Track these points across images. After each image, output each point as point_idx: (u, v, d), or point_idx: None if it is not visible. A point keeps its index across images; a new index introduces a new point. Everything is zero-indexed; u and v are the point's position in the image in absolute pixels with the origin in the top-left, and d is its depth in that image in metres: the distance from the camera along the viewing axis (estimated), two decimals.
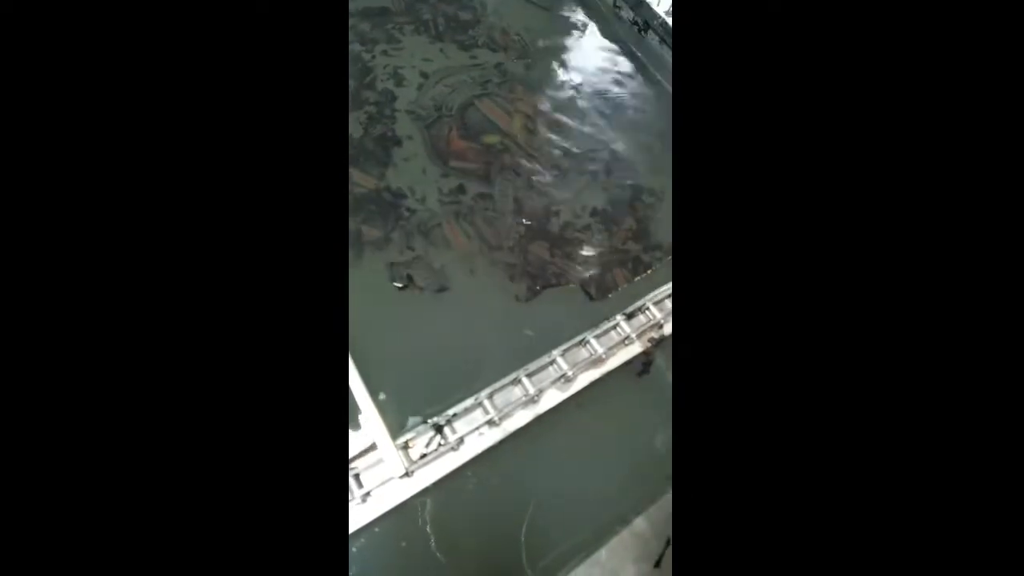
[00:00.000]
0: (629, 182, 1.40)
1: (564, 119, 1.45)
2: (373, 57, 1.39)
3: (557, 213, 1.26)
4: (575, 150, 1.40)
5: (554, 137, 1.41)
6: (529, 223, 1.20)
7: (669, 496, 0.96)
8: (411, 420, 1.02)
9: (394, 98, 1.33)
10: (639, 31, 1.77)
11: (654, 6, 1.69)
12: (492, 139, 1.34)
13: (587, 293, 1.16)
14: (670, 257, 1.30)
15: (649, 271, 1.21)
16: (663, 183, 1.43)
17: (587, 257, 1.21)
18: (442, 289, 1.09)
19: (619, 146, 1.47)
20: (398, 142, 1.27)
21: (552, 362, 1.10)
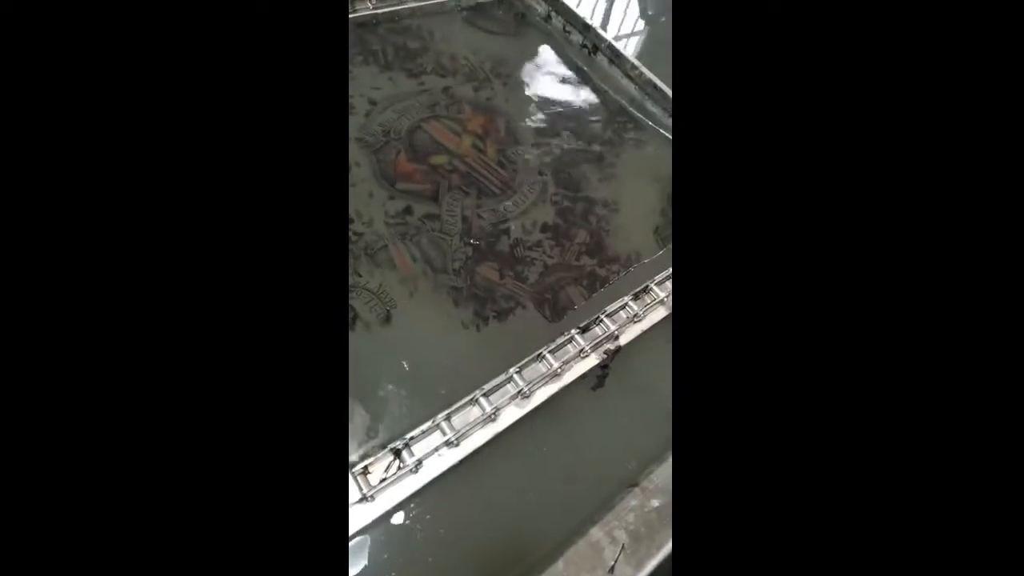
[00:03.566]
0: (581, 194, 1.41)
1: (514, 136, 1.46)
2: None
3: (507, 231, 1.25)
4: (526, 165, 1.40)
5: (504, 154, 1.42)
6: (477, 243, 1.19)
7: (624, 500, 0.93)
8: (369, 446, 0.99)
9: None
10: (589, 53, 1.82)
11: (600, 31, 1.75)
12: (440, 160, 1.34)
13: (543, 315, 1.14)
14: (627, 270, 1.30)
15: (604, 287, 1.20)
16: (616, 193, 1.44)
17: (540, 276, 1.20)
18: (387, 318, 1.07)
19: (569, 159, 1.48)
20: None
21: (509, 379, 1.08)
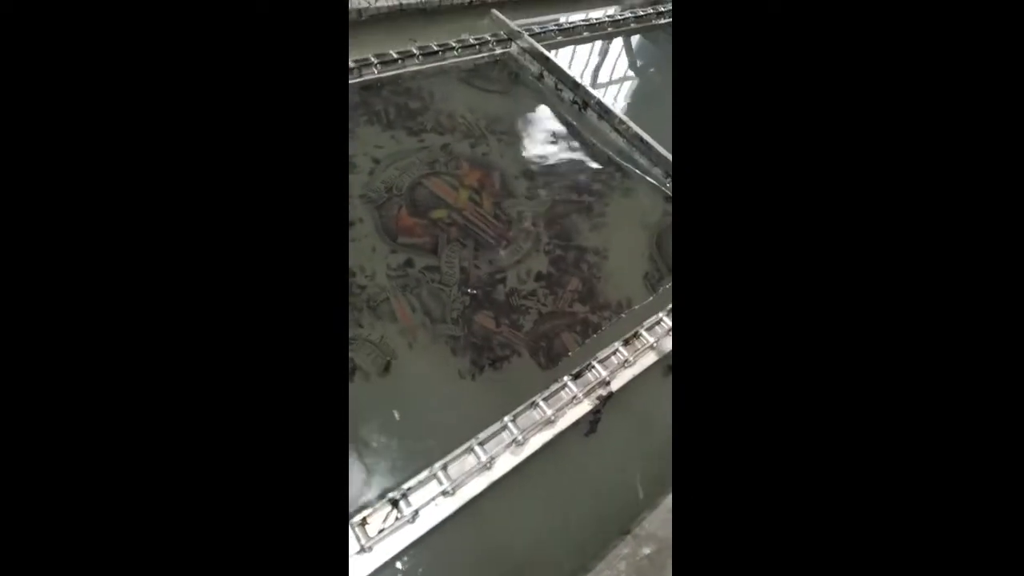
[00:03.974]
0: (572, 243, 1.48)
1: (509, 189, 1.55)
2: None
3: (503, 280, 1.31)
4: (520, 216, 1.48)
5: (500, 207, 1.50)
6: (475, 292, 1.25)
7: (616, 548, 0.95)
8: (366, 496, 1.01)
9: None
10: (579, 109, 1.93)
11: (589, 88, 1.87)
12: (440, 214, 1.42)
13: (537, 363, 1.19)
14: (620, 316, 1.35)
15: (597, 334, 1.25)
16: (606, 241, 1.51)
17: (535, 324, 1.25)
18: (386, 368, 1.12)
19: (561, 209, 1.56)
20: (351, 224, 1.35)
21: (504, 427, 1.11)
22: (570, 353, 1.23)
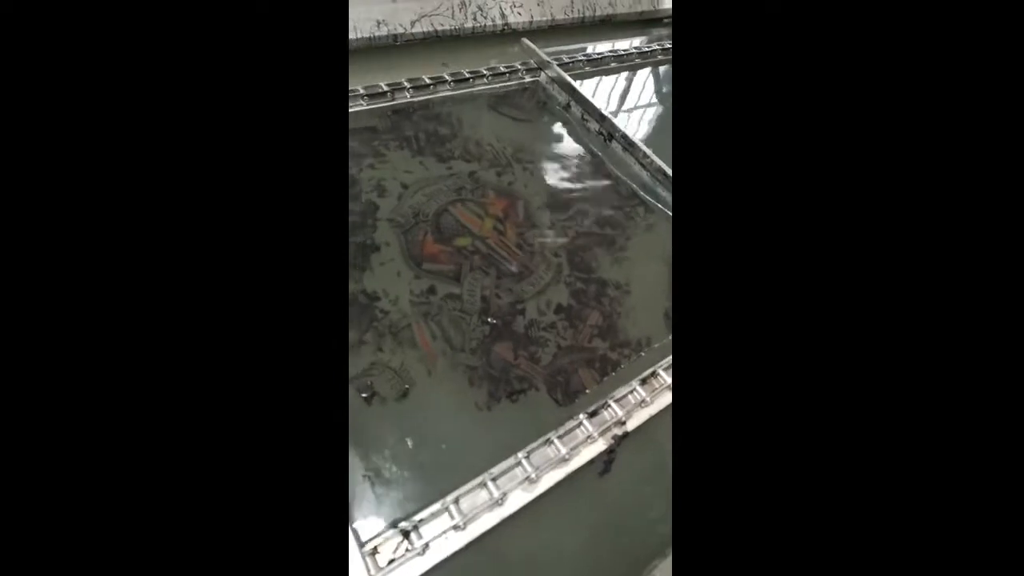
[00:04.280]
0: (594, 276, 1.49)
1: (532, 220, 1.57)
2: (360, 171, 1.54)
3: (523, 311, 1.32)
4: (542, 247, 1.49)
5: (523, 236, 1.51)
6: (495, 322, 1.26)
7: None
8: (378, 525, 1.02)
9: (376, 208, 1.45)
10: (605, 140, 1.95)
11: (615, 121, 1.89)
12: (464, 241, 1.44)
13: (554, 399, 1.19)
14: (639, 354, 1.35)
15: (615, 371, 1.25)
16: (627, 275, 1.52)
17: (553, 358, 1.25)
18: (403, 395, 1.13)
19: (583, 241, 1.57)
20: (376, 248, 1.37)
21: (518, 463, 1.11)
22: (587, 391, 1.23)
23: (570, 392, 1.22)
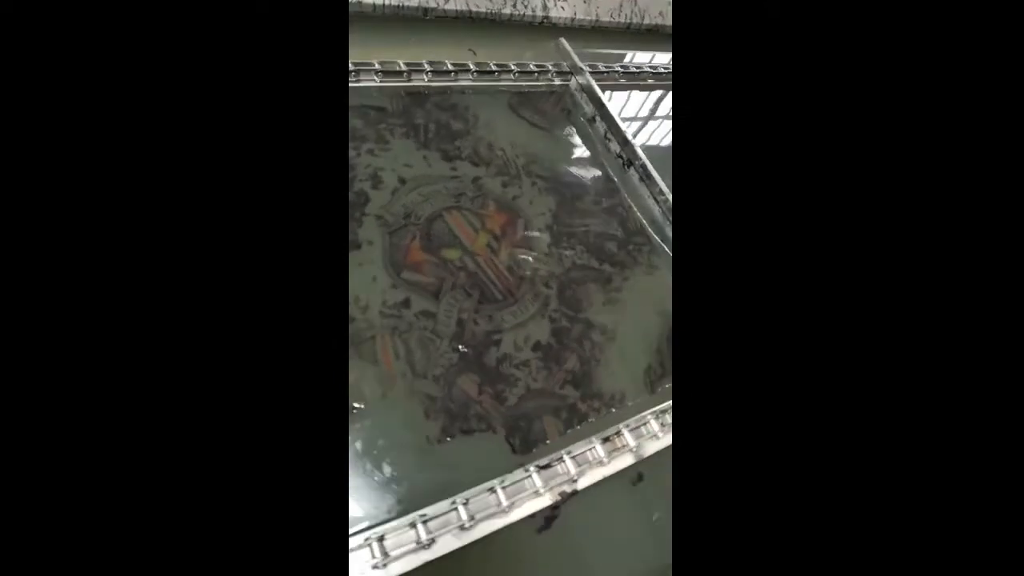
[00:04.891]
0: (581, 315, 1.41)
1: (529, 243, 1.48)
2: (358, 155, 1.43)
3: (498, 342, 1.25)
4: (534, 274, 1.42)
5: (516, 259, 1.43)
6: (466, 351, 1.19)
7: None
8: None
9: (367, 200, 1.36)
10: (623, 165, 1.85)
11: (637, 148, 1.79)
12: (452, 254, 1.36)
13: (510, 444, 1.13)
14: (609, 410, 1.29)
15: (580, 425, 1.19)
16: (616, 319, 1.45)
17: (519, 400, 1.19)
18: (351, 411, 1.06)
19: (578, 274, 1.50)
20: (358, 246, 1.29)
21: (454, 508, 1.06)
22: (548, 441, 1.17)
23: (529, 440, 1.16)
